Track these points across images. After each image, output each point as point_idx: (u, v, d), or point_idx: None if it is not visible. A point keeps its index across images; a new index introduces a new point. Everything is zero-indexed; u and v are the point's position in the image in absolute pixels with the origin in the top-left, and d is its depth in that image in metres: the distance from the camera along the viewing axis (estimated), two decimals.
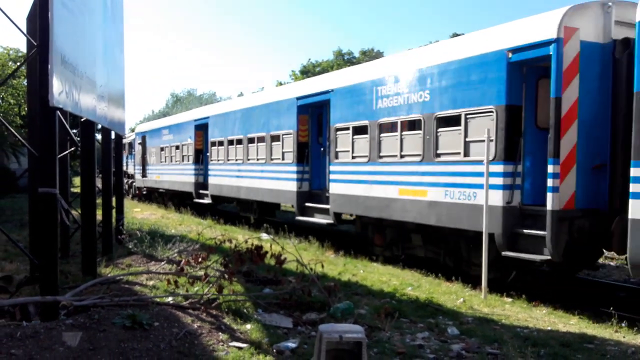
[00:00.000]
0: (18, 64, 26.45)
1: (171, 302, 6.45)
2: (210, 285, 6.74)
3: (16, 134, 8.12)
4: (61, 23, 5.75)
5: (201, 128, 21.93)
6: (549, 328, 6.69)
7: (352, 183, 12.35)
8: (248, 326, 5.89)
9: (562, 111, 8.04)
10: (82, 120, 8.20)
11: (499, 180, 8.76)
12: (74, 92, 6.38)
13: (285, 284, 7.32)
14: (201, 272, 7.12)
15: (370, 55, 50.10)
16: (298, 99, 14.71)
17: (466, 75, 9.44)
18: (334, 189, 13.07)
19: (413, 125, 10.59)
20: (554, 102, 8.04)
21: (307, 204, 14.42)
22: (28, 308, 5.70)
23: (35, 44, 5.74)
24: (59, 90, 5.62)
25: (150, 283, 7.64)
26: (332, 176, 13.20)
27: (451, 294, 8.36)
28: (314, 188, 14.63)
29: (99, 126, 9.81)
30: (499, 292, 8.85)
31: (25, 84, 14.30)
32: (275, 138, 15.78)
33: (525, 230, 8.51)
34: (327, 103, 13.51)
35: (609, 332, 6.82)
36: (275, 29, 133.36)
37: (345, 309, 6.47)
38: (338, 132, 12.92)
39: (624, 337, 6.55)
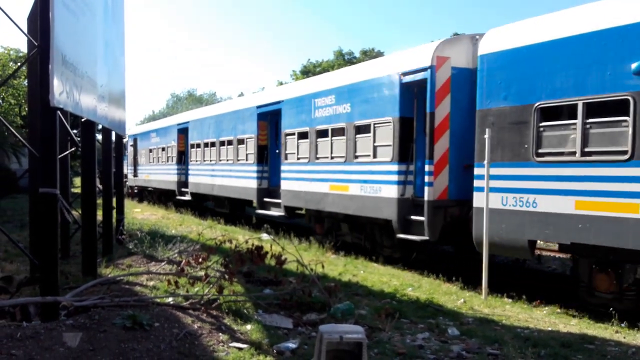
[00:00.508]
0: (19, 64, 26.46)
1: (171, 302, 6.45)
2: (211, 285, 6.74)
3: (17, 134, 8.11)
4: (62, 23, 5.75)
5: (183, 132, 24.04)
6: (550, 329, 6.69)
7: (298, 180, 14.52)
8: (248, 327, 5.89)
9: (435, 123, 10.03)
10: (83, 120, 8.20)
11: (395, 177, 10.91)
12: (74, 92, 6.38)
13: (285, 285, 7.32)
14: (201, 273, 7.12)
15: (371, 55, 50.06)
16: (258, 107, 16.96)
17: (374, 92, 11.61)
18: (284, 185, 15.19)
19: (339, 131, 12.74)
20: (429, 116, 10.09)
21: (265, 199, 16.49)
22: (28, 308, 5.69)
23: (36, 44, 5.74)
24: (59, 90, 5.62)
25: (151, 283, 7.64)
26: (283, 174, 15.33)
27: (451, 295, 8.36)
28: (271, 185, 16.63)
29: (100, 126, 9.80)
30: (500, 293, 8.85)
31: (26, 84, 14.30)
32: (241, 141, 18.00)
33: (412, 217, 10.57)
34: (279, 112, 15.59)
35: (609, 332, 6.81)
36: (276, 29, 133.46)
37: (345, 310, 6.46)
38: (287, 137, 15.05)
39: (624, 337, 6.55)
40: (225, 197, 19.62)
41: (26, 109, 19.46)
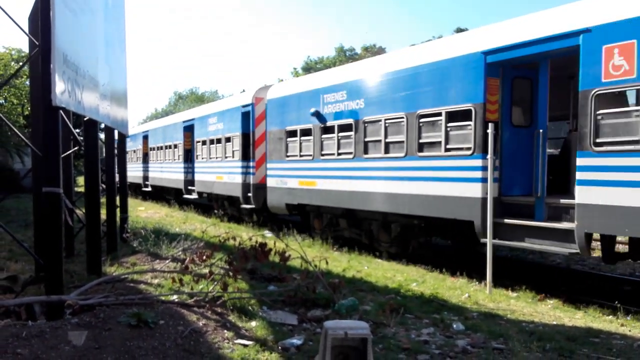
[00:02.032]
0: (20, 64, 26.45)
1: (176, 300, 6.46)
2: (215, 283, 6.74)
3: (20, 134, 8.13)
4: (63, 22, 5.74)
5: (145, 138, 32.68)
6: (555, 322, 6.68)
7: (202, 173, 21.88)
8: (253, 323, 5.89)
9: (256, 137, 17.03)
10: (85, 119, 8.20)
11: (239, 170, 17.85)
12: (76, 91, 6.38)
13: (289, 281, 7.32)
14: (206, 270, 7.12)
15: (372, 51, 49.92)
16: (183, 122, 24.84)
17: (232, 116, 18.78)
18: (196, 177, 22.63)
19: (219, 140, 19.94)
20: (252, 133, 17.21)
21: (189, 187, 23.69)
22: (33, 308, 5.70)
23: (37, 43, 5.73)
24: (61, 89, 5.62)
25: (155, 281, 7.65)
26: (195, 169, 22.74)
27: (456, 290, 8.35)
28: (193, 177, 23.34)
29: (102, 125, 9.80)
30: (504, 287, 8.84)
31: (28, 83, 14.28)
32: (175, 146, 25.80)
33: (249, 194, 17.29)
34: (193, 126, 23.28)
35: (614, 326, 6.80)
36: (277, 26, 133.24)
37: (350, 306, 6.46)
38: (197, 143, 22.62)
39: (629, 330, 6.53)
40: (169, 187, 27.06)
41: (29, 108, 19.48)
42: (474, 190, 9.27)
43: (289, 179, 14.81)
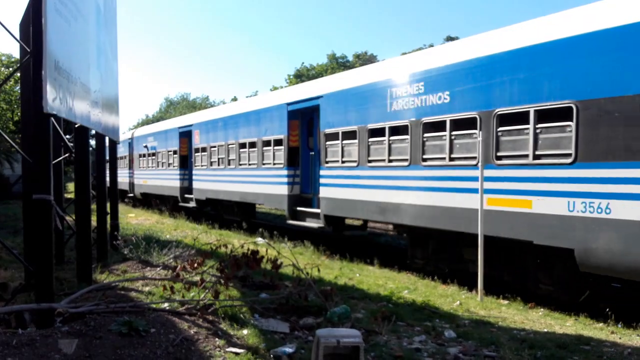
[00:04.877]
0: (11, 69, 26.33)
1: (167, 308, 6.42)
2: (207, 290, 6.71)
3: (10, 140, 8.07)
4: (55, 29, 5.72)
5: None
6: (546, 330, 6.71)
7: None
8: (245, 331, 5.87)
9: (133, 157, 32.46)
10: (76, 126, 8.16)
11: (128, 174, 32.92)
12: (67, 98, 6.35)
13: (281, 289, 7.30)
14: (197, 278, 7.09)
15: (363, 58, 50.18)
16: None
17: (125, 144, 33.43)
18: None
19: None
20: (130, 155, 32.90)
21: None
22: (23, 315, 5.65)
23: (29, 50, 5.70)
24: (52, 96, 5.60)
25: (146, 289, 7.60)
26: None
27: (447, 297, 8.37)
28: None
29: (93, 132, 9.76)
30: (495, 295, 8.88)
31: (18, 89, 14.19)
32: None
33: (131, 188, 33.11)
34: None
35: (605, 333, 6.84)
36: (270, 33, 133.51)
37: (342, 313, 6.45)
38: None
39: (620, 338, 6.58)
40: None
41: (19, 114, 19.39)
42: (176, 183, 23.71)
43: (140, 179, 29.59)
